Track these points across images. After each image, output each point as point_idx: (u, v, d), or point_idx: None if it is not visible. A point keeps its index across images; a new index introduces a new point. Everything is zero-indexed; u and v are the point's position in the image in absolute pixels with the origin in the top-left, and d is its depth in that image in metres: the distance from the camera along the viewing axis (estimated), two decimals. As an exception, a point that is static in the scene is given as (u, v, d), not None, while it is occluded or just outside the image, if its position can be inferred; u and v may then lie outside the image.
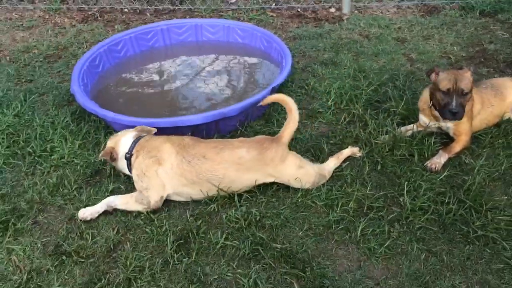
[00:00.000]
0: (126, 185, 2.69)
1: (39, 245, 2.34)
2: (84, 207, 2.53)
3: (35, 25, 4.79)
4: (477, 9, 4.74)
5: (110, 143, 2.68)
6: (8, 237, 2.38)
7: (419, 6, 4.95)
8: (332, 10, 4.97)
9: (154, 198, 2.49)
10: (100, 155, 2.63)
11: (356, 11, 4.92)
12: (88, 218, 2.49)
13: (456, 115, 2.69)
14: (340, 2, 4.92)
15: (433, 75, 2.84)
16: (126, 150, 2.60)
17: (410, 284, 2.11)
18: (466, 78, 2.74)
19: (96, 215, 2.50)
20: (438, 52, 4.06)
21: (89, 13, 5.01)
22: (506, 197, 2.53)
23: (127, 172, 2.65)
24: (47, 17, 4.97)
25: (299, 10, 4.99)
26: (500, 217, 2.40)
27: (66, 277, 2.19)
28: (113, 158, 2.62)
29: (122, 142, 2.64)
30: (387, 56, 4.02)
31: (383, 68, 3.81)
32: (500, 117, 3.05)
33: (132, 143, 2.61)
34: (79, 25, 4.77)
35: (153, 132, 2.72)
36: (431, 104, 2.89)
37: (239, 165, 2.50)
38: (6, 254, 2.30)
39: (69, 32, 4.63)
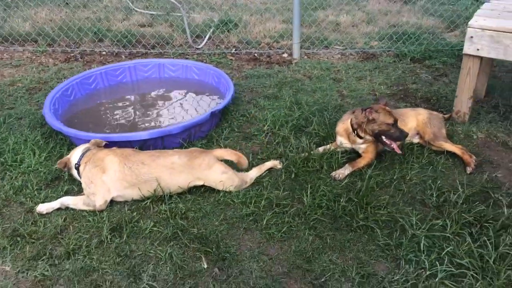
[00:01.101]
0: (79, 188, 3.21)
1: (0, 230, 2.84)
2: (42, 203, 3.05)
3: (22, 64, 5.48)
4: (409, 56, 5.47)
5: (69, 155, 3.25)
6: (-26, 224, 2.89)
7: (359, 53, 5.68)
8: (285, 55, 5.69)
9: (99, 202, 3.00)
10: (57, 163, 3.18)
11: (305, 57, 5.64)
12: (44, 212, 2.99)
13: (407, 135, 3.33)
14: (291, 49, 5.64)
15: (367, 112, 3.34)
16: (76, 162, 3.15)
17: (296, 258, 2.61)
18: (391, 110, 3.36)
19: (51, 210, 3.00)
20: (367, 90, 4.71)
21: (71, 54, 5.72)
22: (388, 197, 3.07)
23: (79, 179, 3.18)
24: (33, 57, 5.67)
25: (256, 55, 5.71)
26: (380, 212, 2.92)
27: (18, 252, 2.67)
28: (68, 167, 3.17)
29: (74, 154, 3.20)
30: (322, 92, 4.66)
31: (316, 102, 4.43)
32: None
33: (81, 155, 3.17)
34: (61, 64, 5.46)
35: (103, 144, 3.29)
36: (355, 133, 3.46)
37: (172, 169, 3.05)
38: (-29, 235, 2.80)
39: (51, 69, 5.30)
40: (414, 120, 3.68)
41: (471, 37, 3.57)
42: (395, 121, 3.29)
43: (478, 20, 3.60)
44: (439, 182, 3.21)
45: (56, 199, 3.07)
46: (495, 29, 3.46)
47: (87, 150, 3.17)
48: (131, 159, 3.07)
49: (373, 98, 4.54)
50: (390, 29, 6.12)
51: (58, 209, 3.02)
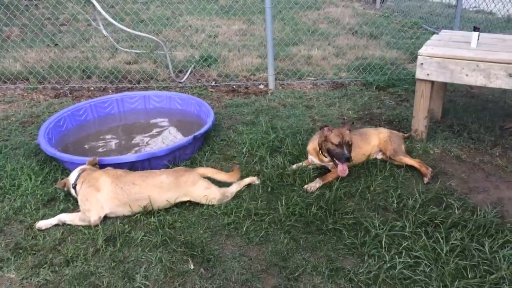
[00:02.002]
0: (74, 206, 3.51)
1: (2, 244, 3.10)
2: (41, 220, 3.34)
3: (15, 100, 5.81)
4: (374, 85, 5.99)
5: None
6: (-21, 241, 3.15)
7: (329, 83, 6.18)
8: (261, 86, 6.15)
9: (94, 218, 3.30)
10: (57, 184, 3.50)
11: (280, 87, 6.11)
12: (43, 228, 3.27)
13: (349, 159, 3.61)
14: (267, 80, 6.11)
15: (325, 130, 3.82)
16: (73, 182, 3.47)
17: (273, 257, 2.94)
18: (347, 133, 3.74)
19: (49, 226, 3.29)
20: (337, 115, 5.17)
21: (61, 91, 6.08)
22: (354, 204, 3.45)
23: (76, 196, 3.49)
24: (25, 94, 6.01)
25: (234, 86, 6.17)
26: (347, 217, 3.29)
27: (21, 262, 2.94)
28: (67, 187, 3.49)
29: (71, 175, 3.52)
30: (296, 118, 5.10)
31: (290, 126, 4.85)
32: (367, 156, 4.05)
33: (77, 175, 3.49)
34: (51, 100, 5.81)
35: (96, 161, 3.61)
36: (320, 151, 3.87)
37: (160, 187, 3.39)
38: (-24, 250, 3.06)
39: (43, 104, 5.65)
40: (376, 139, 4.11)
41: (422, 63, 4.08)
42: (341, 142, 3.63)
43: (427, 49, 4.12)
44: (399, 191, 3.61)
45: (53, 216, 3.36)
46: (441, 56, 3.97)
47: (83, 171, 3.49)
48: (122, 180, 3.39)
49: (342, 121, 4.98)
50: (357, 61, 6.67)
51: (56, 225, 3.31)
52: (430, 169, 3.85)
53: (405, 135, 4.43)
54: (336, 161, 3.70)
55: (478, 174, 3.89)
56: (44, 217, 3.39)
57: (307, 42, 7.85)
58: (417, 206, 3.39)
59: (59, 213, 3.43)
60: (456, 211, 3.31)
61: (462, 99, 5.51)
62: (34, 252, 3.03)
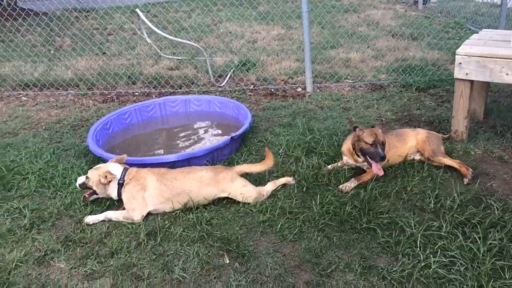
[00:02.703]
0: (119, 204, 3.70)
1: (54, 237, 3.33)
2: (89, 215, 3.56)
3: (66, 105, 6.17)
4: (414, 86, 5.93)
5: (99, 171, 3.57)
6: (32, 233, 3.39)
7: (368, 85, 6.17)
8: (299, 89, 6.22)
9: (137, 217, 3.46)
10: (99, 174, 3.54)
11: (318, 90, 6.16)
12: (91, 223, 3.47)
13: (383, 158, 3.65)
14: (305, 83, 6.18)
15: (357, 130, 3.87)
16: (119, 177, 3.64)
17: (306, 254, 3.00)
18: (380, 133, 3.78)
19: (97, 221, 3.48)
20: (374, 116, 5.16)
21: (108, 96, 6.40)
22: (390, 204, 3.45)
23: (113, 194, 3.59)
24: (76, 100, 6.37)
25: (272, 90, 6.27)
26: (382, 216, 3.30)
27: (70, 253, 3.15)
28: (108, 180, 3.57)
29: (112, 170, 3.62)
30: (333, 119, 5.13)
31: (327, 128, 4.89)
32: (403, 156, 4.04)
33: (122, 172, 3.66)
34: (99, 105, 6.13)
35: (125, 160, 3.73)
36: (354, 152, 3.91)
37: (200, 182, 3.53)
38: (31, 241, 3.29)
39: (92, 109, 5.97)
40: (414, 139, 4.08)
41: (460, 63, 4.03)
42: (375, 141, 3.66)
43: (465, 48, 4.06)
44: (437, 191, 3.58)
45: (100, 212, 3.57)
46: (479, 55, 3.91)
47: (126, 169, 3.68)
48: (166, 177, 3.55)
49: (380, 123, 4.98)
50: (397, 63, 6.61)
51: (102, 220, 3.51)
52: (470, 169, 3.79)
53: (445, 136, 4.37)
54: (370, 160, 3.72)
55: (521, 175, 3.80)
56: (91, 212, 3.61)
57: (345, 45, 7.85)
58: (455, 207, 3.35)
59: (105, 209, 3.64)
60: (496, 212, 3.25)
61: (506, 99, 5.35)
62: (82, 244, 3.24)
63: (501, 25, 6.48)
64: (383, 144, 3.70)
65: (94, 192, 3.64)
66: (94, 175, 3.58)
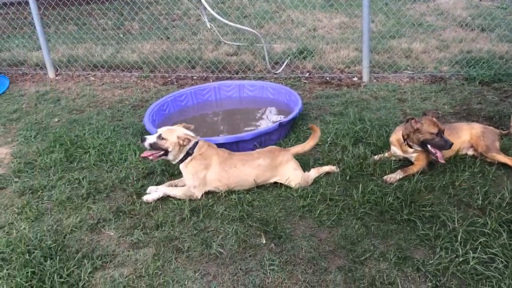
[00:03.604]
0: (169, 180, 3.91)
1: (107, 207, 3.59)
2: (138, 192, 3.78)
3: (129, 86, 6.52)
4: (477, 79, 5.65)
5: (177, 133, 3.54)
6: (88, 202, 3.68)
7: (428, 77, 5.96)
8: (355, 79, 6.14)
9: (198, 194, 3.59)
10: (179, 136, 3.51)
11: (375, 80, 6.05)
12: (151, 201, 3.58)
13: (452, 145, 3.61)
14: (361, 73, 6.09)
15: (412, 122, 3.79)
16: (190, 146, 3.62)
17: (341, 240, 3.02)
18: (437, 120, 3.69)
19: (156, 199, 3.59)
20: (430, 108, 5.00)
21: (168, 79, 6.68)
22: (434, 198, 3.37)
23: (178, 159, 3.59)
24: (138, 81, 6.71)
25: (327, 78, 6.24)
26: (425, 209, 3.24)
27: (120, 223, 3.39)
28: (185, 144, 3.55)
29: (191, 135, 3.61)
30: (386, 110, 5.04)
31: (379, 118, 4.82)
32: (455, 151, 3.90)
33: (194, 144, 3.64)
34: (159, 87, 6.42)
35: (192, 128, 3.77)
36: (405, 143, 3.85)
37: (257, 170, 3.62)
38: (86, 210, 3.58)
39: (152, 90, 6.27)
40: (468, 134, 3.93)
41: (524, 55, 3.80)
42: (439, 130, 3.59)
43: (531, 40, 3.83)
44: (487, 188, 3.45)
45: (149, 186, 3.78)
46: (546, 48, 3.67)
47: (197, 142, 3.63)
48: (227, 163, 3.64)
49: (436, 116, 4.81)
50: (461, 55, 6.32)
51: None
52: (526, 168, 3.61)
53: (503, 132, 4.17)
54: (433, 150, 3.66)
55: None
56: (142, 187, 3.84)
57: (410, 35, 7.59)
58: (504, 204, 3.22)
59: (155, 185, 3.85)
60: (548, 213, 3.08)
61: None
62: (131, 215, 3.47)
63: None
64: (443, 132, 3.63)
65: (163, 154, 3.58)
66: (172, 137, 3.52)
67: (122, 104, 5.89)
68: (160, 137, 3.55)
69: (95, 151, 4.47)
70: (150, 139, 3.56)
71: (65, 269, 2.88)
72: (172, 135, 3.55)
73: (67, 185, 3.92)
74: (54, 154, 4.43)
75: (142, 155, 3.63)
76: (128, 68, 7.07)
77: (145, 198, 3.62)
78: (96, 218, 3.45)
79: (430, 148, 3.66)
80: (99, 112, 5.61)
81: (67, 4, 8.04)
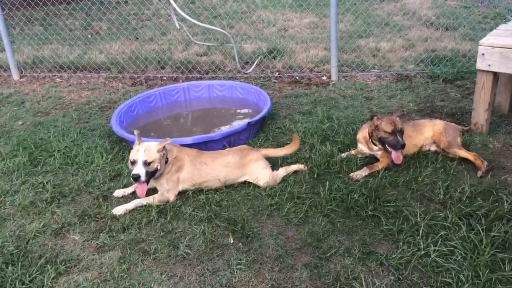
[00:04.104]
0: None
1: (72, 211, 3.53)
2: (105, 195, 3.73)
3: (97, 88, 6.43)
4: (441, 77, 5.80)
5: (153, 149, 3.38)
6: (52, 207, 3.60)
7: (394, 75, 6.08)
8: (324, 78, 6.21)
9: (172, 198, 3.55)
10: (157, 150, 3.38)
11: (343, 79, 6.13)
12: (122, 214, 3.42)
13: (404, 147, 3.67)
14: (330, 72, 6.16)
15: (375, 119, 3.88)
16: (167, 156, 3.50)
17: (308, 237, 3.05)
18: (398, 120, 3.77)
19: (127, 212, 3.43)
20: (396, 107, 5.10)
21: (137, 80, 6.61)
22: (398, 193, 3.45)
23: (162, 171, 3.48)
24: (106, 82, 6.62)
25: (297, 78, 6.29)
26: (389, 205, 3.31)
27: (85, 227, 3.34)
28: (163, 148, 3.44)
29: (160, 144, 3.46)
30: (354, 109, 5.12)
31: (346, 117, 4.89)
32: (418, 147, 4.00)
33: (166, 151, 3.50)
34: (128, 88, 6.35)
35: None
36: (370, 140, 3.92)
37: (227, 167, 3.63)
38: (50, 214, 3.51)
39: (120, 91, 6.19)
40: (431, 130, 4.03)
41: (483, 54, 3.93)
42: (394, 130, 3.66)
43: (489, 38, 3.96)
44: (448, 182, 3.54)
45: (116, 189, 3.75)
46: (503, 46, 3.80)
47: (164, 147, 3.47)
48: (197, 160, 3.64)
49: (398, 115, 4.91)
50: (426, 54, 6.47)
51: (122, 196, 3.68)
52: (485, 162, 3.72)
53: (465, 128, 4.29)
54: (389, 149, 3.72)
55: (540, 170, 3.69)
56: (109, 190, 3.79)
57: (377, 34, 7.72)
58: (464, 198, 3.32)
59: (122, 187, 3.81)
60: (505, 205, 3.19)
61: (537, 93, 5.15)
62: (97, 219, 3.42)
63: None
64: (401, 132, 3.70)
65: (151, 176, 3.44)
66: (154, 154, 3.38)
67: (89, 105, 5.80)
68: (146, 163, 3.36)
69: (60, 154, 4.39)
70: (142, 172, 3.34)
71: (27, 275, 2.82)
72: (151, 153, 3.38)
73: (31, 189, 3.84)
74: (17, 158, 4.33)
75: (142, 195, 3.45)
76: (96, 69, 6.96)
77: (115, 211, 3.43)
78: (60, 223, 3.39)
79: (387, 147, 3.73)
80: (65, 114, 5.51)
81: (32, 5, 7.86)
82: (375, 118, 3.80)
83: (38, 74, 7.05)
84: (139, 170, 3.35)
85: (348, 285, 2.66)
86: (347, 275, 2.73)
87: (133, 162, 3.40)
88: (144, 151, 3.38)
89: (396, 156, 3.71)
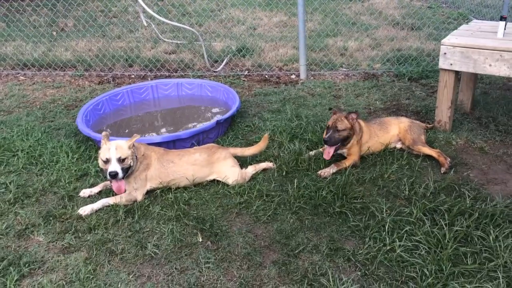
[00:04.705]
0: (104, 181, 3.81)
1: (36, 212, 3.44)
2: (70, 195, 3.65)
3: (62, 86, 6.27)
4: (407, 76, 5.94)
5: (124, 146, 3.36)
6: (15, 208, 3.50)
7: (361, 74, 6.18)
8: (293, 76, 6.26)
9: (139, 197, 3.50)
10: (128, 147, 3.37)
11: (312, 78, 6.19)
12: (88, 213, 3.35)
13: (327, 142, 3.77)
14: (299, 71, 6.21)
15: (332, 114, 3.95)
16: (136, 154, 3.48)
17: (276, 235, 3.08)
18: (341, 120, 3.82)
19: (93, 212, 3.37)
20: (363, 105, 5.19)
21: (105, 78, 6.49)
22: (364, 190, 3.52)
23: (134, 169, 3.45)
24: (72, 80, 6.47)
25: (266, 76, 6.31)
26: (356, 201, 3.37)
27: (50, 228, 3.25)
28: (133, 145, 3.44)
29: (125, 147, 3.39)
30: (322, 107, 5.18)
31: (315, 115, 4.94)
32: (385, 144, 4.08)
33: (134, 150, 3.47)
34: (95, 86, 6.22)
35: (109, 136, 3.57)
36: None
37: (194, 165, 3.61)
38: (13, 215, 3.41)
39: (87, 90, 6.06)
40: (396, 128, 4.12)
41: (445, 53, 4.04)
42: (328, 126, 3.83)
43: (451, 38, 4.07)
44: (413, 179, 3.63)
45: (86, 187, 3.68)
46: (464, 46, 3.92)
47: (133, 144, 3.46)
48: (164, 158, 3.61)
49: (367, 111, 5.01)
50: (392, 53, 6.61)
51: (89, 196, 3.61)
52: (448, 159, 3.83)
53: (429, 125, 4.41)
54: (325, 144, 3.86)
55: (499, 166, 3.83)
56: (74, 190, 3.71)
57: (345, 34, 7.84)
58: (428, 194, 3.41)
59: (88, 187, 3.74)
60: (467, 200, 3.30)
61: (497, 91, 5.35)
62: (62, 220, 3.35)
63: (499, 17, 6.42)
64: (335, 130, 3.78)
65: (126, 173, 3.40)
66: (125, 151, 3.36)
67: (54, 104, 5.65)
68: (120, 160, 3.33)
69: (24, 154, 4.26)
70: (118, 169, 3.31)
71: (-12, 279, 2.73)
72: (124, 150, 3.36)
73: (-7, 190, 3.72)
74: (-22, 158, 4.19)
75: (121, 191, 3.40)
76: (61, 67, 6.79)
77: (80, 211, 3.36)
78: (24, 224, 3.30)
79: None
80: (29, 113, 5.36)
81: (-7, 0, 7.60)
82: (332, 111, 3.96)
83: (0, 72, 6.82)
84: (115, 167, 3.31)
85: (316, 281, 2.69)
86: (315, 271, 2.76)
87: (106, 161, 3.35)
88: (116, 149, 3.35)
89: (326, 152, 3.82)
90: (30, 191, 3.71)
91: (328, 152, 3.80)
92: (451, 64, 4.04)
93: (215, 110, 5.12)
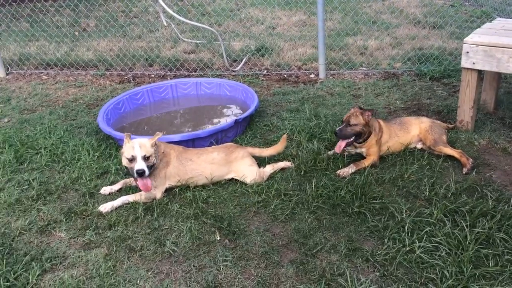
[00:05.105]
0: (120, 178, 3.85)
1: (58, 208, 3.51)
2: (91, 192, 3.71)
3: (84, 85, 6.37)
4: (428, 75, 5.85)
5: (147, 144, 3.40)
6: (38, 204, 3.57)
7: (381, 73, 6.12)
8: (312, 75, 6.23)
9: (159, 195, 3.54)
10: (151, 145, 3.41)
11: (331, 77, 6.15)
12: (109, 211, 3.41)
13: (337, 135, 3.81)
14: (318, 70, 6.18)
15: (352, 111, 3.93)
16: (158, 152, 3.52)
17: (294, 234, 3.07)
18: (355, 115, 3.81)
19: (113, 209, 3.42)
20: (383, 104, 5.14)
21: (125, 77, 6.57)
22: (383, 190, 3.48)
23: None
24: (94, 80, 6.57)
25: (285, 75, 6.30)
26: (375, 202, 3.34)
27: (71, 224, 3.32)
28: (155, 143, 3.47)
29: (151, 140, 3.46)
30: (341, 106, 5.14)
31: (334, 114, 4.91)
32: (405, 145, 4.03)
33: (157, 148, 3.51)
34: (116, 85, 6.31)
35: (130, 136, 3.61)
36: None
37: (212, 164, 3.63)
38: (36, 211, 3.48)
39: (108, 89, 6.15)
40: (417, 128, 4.07)
41: (467, 52, 3.97)
42: (343, 121, 3.86)
43: (473, 37, 4.00)
44: (434, 179, 3.58)
45: (103, 186, 3.73)
46: (487, 44, 3.84)
47: (155, 143, 3.49)
48: (183, 156, 3.64)
49: (387, 111, 4.96)
50: (413, 52, 6.52)
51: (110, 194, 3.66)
52: (470, 159, 3.77)
53: (451, 126, 4.34)
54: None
55: (523, 167, 3.75)
56: (95, 187, 3.77)
57: (365, 32, 7.76)
58: (449, 195, 3.36)
59: (109, 184, 3.79)
60: (489, 202, 3.23)
61: (521, 91, 5.24)
62: (83, 216, 3.40)
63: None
64: (349, 125, 3.80)
65: (151, 168, 3.44)
66: (149, 149, 3.40)
67: (76, 103, 5.75)
68: (145, 157, 3.37)
69: (47, 152, 4.35)
70: (145, 167, 3.34)
71: (12, 273, 2.80)
72: (147, 148, 3.40)
73: (17, 187, 3.80)
74: (3, 156, 4.29)
75: (147, 189, 3.42)
76: (83, 67, 6.91)
77: (101, 208, 3.41)
78: (46, 220, 3.36)
79: None
80: (52, 111, 5.46)
81: (18, 1, 7.77)
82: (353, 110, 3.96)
83: (24, 71, 6.97)
84: (142, 165, 3.35)
85: (334, 281, 2.68)
86: (333, 271, 2.75)
87: (132, 159, 3.38)
88: (140, 147, 3.39)
89: (338, 145, 3.85)
90: (52, 188, 3.78)
91: (339, 145, 3.82)
92: (473, 63, 3.97)
93: (233, 109, 5.13)
